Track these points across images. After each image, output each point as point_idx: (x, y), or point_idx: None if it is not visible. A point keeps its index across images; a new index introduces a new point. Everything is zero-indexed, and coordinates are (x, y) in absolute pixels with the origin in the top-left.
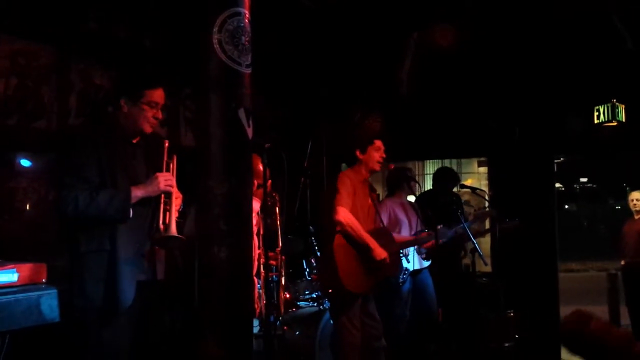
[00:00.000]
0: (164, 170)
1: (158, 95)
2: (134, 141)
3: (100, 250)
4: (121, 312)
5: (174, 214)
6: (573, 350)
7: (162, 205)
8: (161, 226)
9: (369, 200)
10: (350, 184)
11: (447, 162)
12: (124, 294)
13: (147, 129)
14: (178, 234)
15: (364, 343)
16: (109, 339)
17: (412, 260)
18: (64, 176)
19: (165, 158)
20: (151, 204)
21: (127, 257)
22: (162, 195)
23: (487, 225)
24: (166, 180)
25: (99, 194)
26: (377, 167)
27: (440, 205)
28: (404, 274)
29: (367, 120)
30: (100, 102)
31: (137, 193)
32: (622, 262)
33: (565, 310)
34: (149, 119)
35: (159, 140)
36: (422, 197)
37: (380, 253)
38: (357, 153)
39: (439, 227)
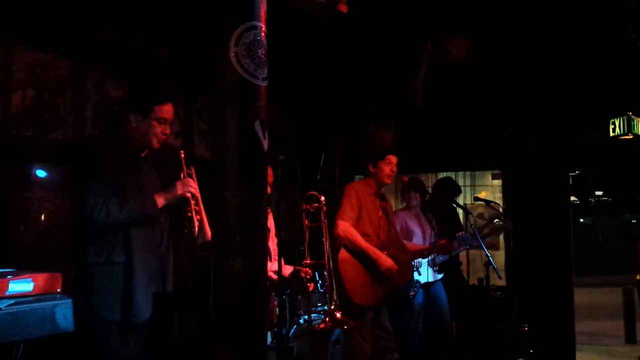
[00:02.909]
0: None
1: (167, 110)
2: (142, 155)
3: (109, 262)
4: (135, 325)
5: (206, 221)
6: None
7: (185, 212)
8: (188, 234)
9: (380, 212)
10: (355, 197)
11: (460, 175)
12: (139, 307)
13: (155, 144)
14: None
15: (377, 356)
16: (119, 351)
17: (424, 273)
18: (88, 184)
19: (184, 169)
20: (166, 215)
21: (142, 270)
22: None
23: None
24: (184, 185)
25: (129, 201)
26: (387, 180)
27: (439, 216)
28: (415, 286)
29: (380, 133)
30: (112, 114)
31: (160, 200)
32: (638, 277)
33: (579, 326)
34: (158, 134)
35: (171, 152)
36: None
37: (385, 262)
38: (369, 166)
39: (459, 233)
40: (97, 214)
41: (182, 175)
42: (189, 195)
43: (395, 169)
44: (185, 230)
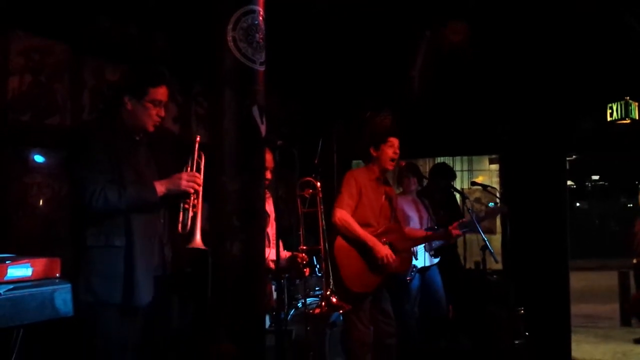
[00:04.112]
0: (194, 169)
1: (161, 93)
2: (137, 138)
3: (109, 246)
4: (137, 308)
5: (199, 220)
6: None
7: (183, 204)
8: (179, 228)
9: (383, 198)
10: (354, 185)
11: (458, 159)
12: (141, 291)
13: (150, 127)
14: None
15: (377, 340)
16: (118, 334)
17: (421, 257)
18: (85, 170)
19: (196, 157)
20: (166, 201)
21: (143, 253)
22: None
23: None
24: (189, 179)
25: (127, 188)
26: (389, 165)
27: (436, 202)
28: (412, 271)
29: (378, 118)
30: (107, 98)
31: (160, 188)
32: (634, 261)
33: (575, 309)
34: (153, 117)
35: (166, 136)
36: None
37: (381, 250)
38: (371, 150)
39: (462, 220)
40: (96, 201)
41: (187, 168)
42: (191, 191)
43: (398, 151)
44: (178, 224)
